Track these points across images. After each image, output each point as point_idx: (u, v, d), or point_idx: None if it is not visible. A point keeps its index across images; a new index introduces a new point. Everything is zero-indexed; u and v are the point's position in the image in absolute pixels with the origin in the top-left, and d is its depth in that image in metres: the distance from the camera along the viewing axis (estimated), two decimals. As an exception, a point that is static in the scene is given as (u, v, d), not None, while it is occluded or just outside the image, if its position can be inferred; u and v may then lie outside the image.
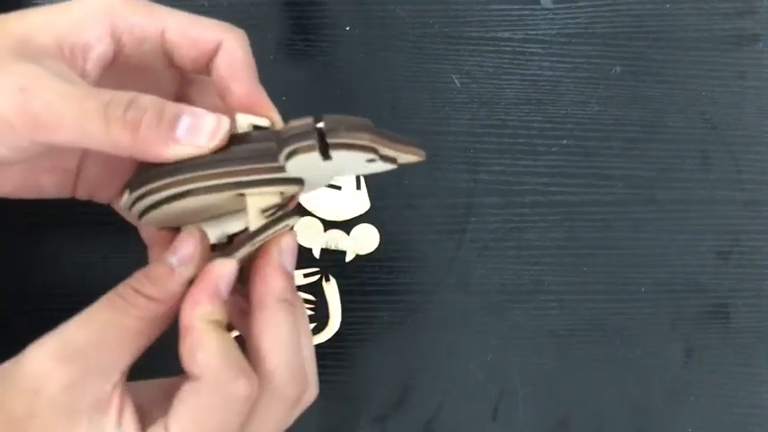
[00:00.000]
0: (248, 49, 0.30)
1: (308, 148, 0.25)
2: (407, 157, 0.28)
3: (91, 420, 0.25)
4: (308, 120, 0.26)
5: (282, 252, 0.28)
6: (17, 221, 0.44)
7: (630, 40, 0.49)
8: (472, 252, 0.46)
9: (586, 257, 0.46)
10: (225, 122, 0.26)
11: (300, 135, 0.25)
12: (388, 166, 0.27)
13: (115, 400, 0.25)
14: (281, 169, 0.26)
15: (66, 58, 0.27)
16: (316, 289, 0.45)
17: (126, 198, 0.28)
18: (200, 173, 0.26)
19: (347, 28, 0.48)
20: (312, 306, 0.45)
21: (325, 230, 0.46)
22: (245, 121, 0.28)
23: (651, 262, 0.47)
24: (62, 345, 0.25)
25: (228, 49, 0.29)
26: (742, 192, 0.48)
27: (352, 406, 0.44)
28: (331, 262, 0.45)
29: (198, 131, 0.26)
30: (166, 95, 0.31)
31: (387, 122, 0.47)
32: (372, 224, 0.46)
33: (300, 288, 0.45)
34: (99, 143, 0.25)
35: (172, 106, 0.26)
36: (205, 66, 0.30)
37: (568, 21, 0.49)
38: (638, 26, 0.49)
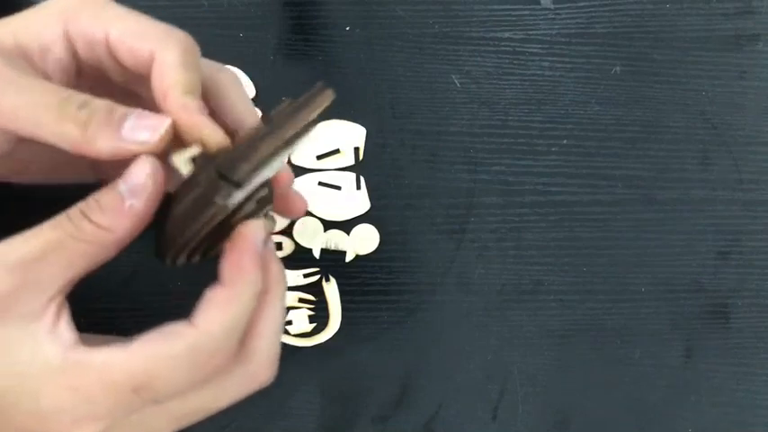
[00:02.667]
0: (187, 59, 0.29)
1: (227, 195, 0.27)
2: (320, 109, 0.29)
3: (21, 327, 0.25)
4: (211, 171, 0.27)
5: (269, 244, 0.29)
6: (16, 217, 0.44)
7: (630, 40, 0.49)
8: (472, 252, 0.46)
9: (586, 257, 0.46)
10: (166, 122, 0.27)
11: (213, 188, 0.27)
12: (314, 127, 0.29)
13: (52, 310, 0.26)
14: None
15: (27, 59, 0.28)
16: (316, 289, 0.45)
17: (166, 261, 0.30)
18: (188, 236, 0.27)
19: (347, 28, 0.48)
20: (312, 306, 0.45)
21: (325, 230, 0.46)
22: (180, 159, 0.28)
23: (651, 262, 0.47)
24: (2, 255, 0.25)
25: (160, 62, 0.29)
26: (742, 192, 0.48)
27: (352, 406, 0.44)
28: (331, 262, 0.45)
29: (140, 129, 0.27)
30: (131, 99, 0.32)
31: (387, 122, 0.47)
32: (372, 224, 0.46)
33: (300, 288, 0.45)
34: (50, 136, 0.27)
35: (122, 108, 0.27)
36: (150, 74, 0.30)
37: (568, 21, 0.49)
38: (638, 26, 0.49)
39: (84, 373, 0.25)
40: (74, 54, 0.29)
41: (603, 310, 0.46)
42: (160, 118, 0.27)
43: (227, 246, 0.28)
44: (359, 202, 0.46)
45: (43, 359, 0.25)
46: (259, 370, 0.28)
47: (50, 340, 0.25)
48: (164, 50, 0.29)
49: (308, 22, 0.49)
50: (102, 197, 0.26)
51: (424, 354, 0.45)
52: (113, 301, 0.43)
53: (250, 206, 0.28)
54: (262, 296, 0.28)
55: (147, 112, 0.27)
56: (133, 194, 0.26)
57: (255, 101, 0.47)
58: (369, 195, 0.46)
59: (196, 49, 0.30)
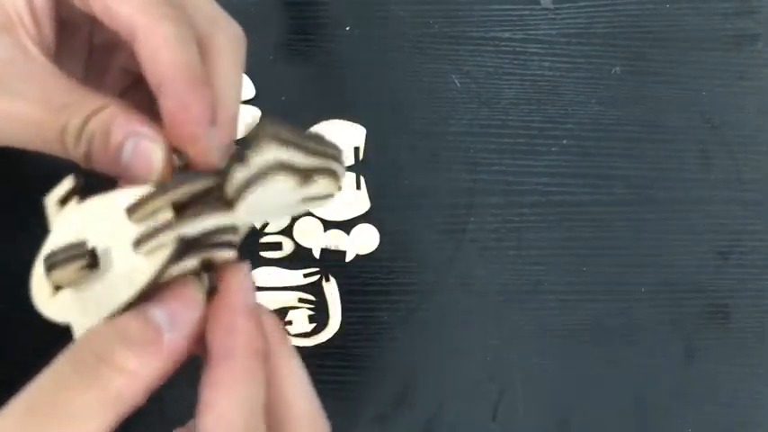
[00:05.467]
0: (183, 49, 0.22)
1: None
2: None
3: None
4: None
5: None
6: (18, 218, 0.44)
7: (630, 40, 0.49)
8: (472, 252, 0.46)
9: (586, 257, 0.46)
10: (159, 156, 0.22)
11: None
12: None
13: None
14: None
15: (15, 24, 0.23)
16: (316, 289, 0.45)
17: None
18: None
19: (347, 28, 0.48)
20: (312, 306, 0.45)
21: (325, 230, 0.46)
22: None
23: (651, 262, 0.47)
24: None
25: (147, 49, 0.22)
26: (742, 192, 0.48)
27: (352, 406, 0.44)
28: (331, 262, 0.45)
29: (137, 161, 0.22)
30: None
31: (387, 122, 0.47)
32: (372, 224, 0.46)
33: (300, 288, 0.45)
34: (54, 152, 0.23)
35: (117, 132, 0.22)
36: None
37: (568, 21, 0.49)
38: (638, 26, 0.49)
39: None
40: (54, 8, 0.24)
41: (603, 310, 0.46)
42: (155, 143, 0.22)
43: (211, 308, 0.21)
44: (359, 202, 0.46)
45: None
46: (305, 427, 0.24)
47: None
48: (151, 33, 0.22)
49: (308, 22, 0.49)
50: (129, 325, 0.19)
51: (424, 354, 0.45)
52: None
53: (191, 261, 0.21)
54: (268, 358, 0.22)
55: (143, 132, 0.22)
56: (174, 325, 0.20)
57: (255, 101, 0.47)
58: (369, 195, 0.46)
59: (182, 27, 0.23)
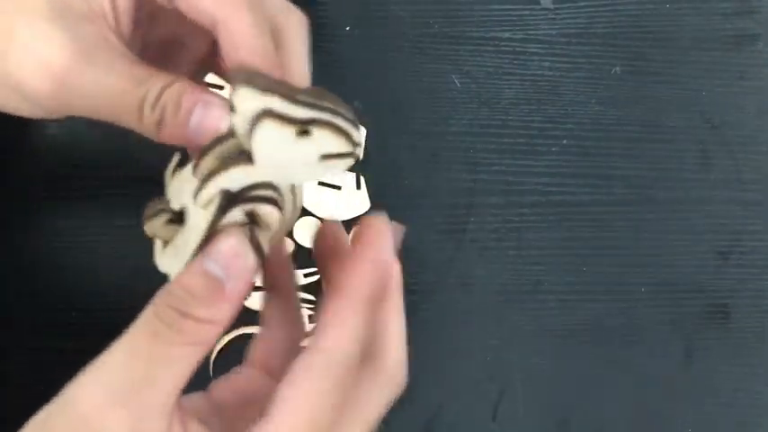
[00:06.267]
0: (261, 36, 0.25)
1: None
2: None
3: None
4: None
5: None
6: (19, 218, 0.44)
7: (630, 40, 0.49)
8: (472, 252, 0.46)
9: (586, 257, 0.46)
10: (226, 117, 0.24)
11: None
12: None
13: (177, 429, 0.23)
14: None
15: (98, 17, 0.26)
16: (316, 289, 0.45)
17: None
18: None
19: (347, 28, 0.48)
20: (312, 306, 0.45)
21: (325, 230, 0.46)
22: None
23: (651, 262, 0.47)
24: (111, 387, 0.22)
25: (228, 36, 0.25)
26: (742, 192, 0.48)
27: (352, 406, 0.44)
28: (331, 262, 0.45)
29: (204, 126, 0.25)
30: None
31: (387, 122, 0.47)
32: (372, 224, 0.46)
33: (301, 288, 0.45)
34: (127, 125, 0.26)
35: (188, 100, 0.25)
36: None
37: (568, 21, 0.49)
38: (638, 26, 0.49)
39: None
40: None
41: (603, 310, 0.46)
42: (221, 110, 0.24)
43: (353, 252, 0.26)
44: (359, 202, 0.46)
45: None
46: (399, 377, 0.26)
47: None
48: (233, 21, 0.25)
49: (308, 22, 0.49)
50: (193, 284, 0.23)
51: (424, 354, 0.45)
52: (114, 301, 0.43)
53: (237, 213, 0.25)
54: (383, 294, 0.27)
55: (209, 100, 0.24)
56: (231, 274, 0.23)
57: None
58: (369, 195, 0.46)
59: (262, 20, 0.26)
